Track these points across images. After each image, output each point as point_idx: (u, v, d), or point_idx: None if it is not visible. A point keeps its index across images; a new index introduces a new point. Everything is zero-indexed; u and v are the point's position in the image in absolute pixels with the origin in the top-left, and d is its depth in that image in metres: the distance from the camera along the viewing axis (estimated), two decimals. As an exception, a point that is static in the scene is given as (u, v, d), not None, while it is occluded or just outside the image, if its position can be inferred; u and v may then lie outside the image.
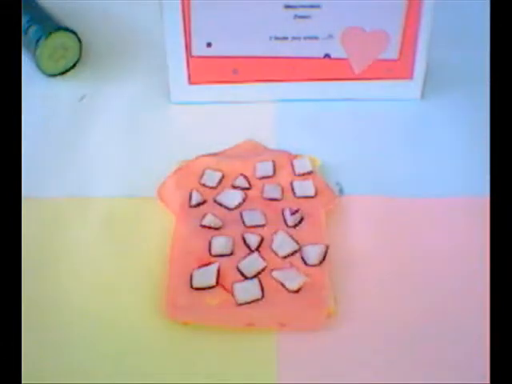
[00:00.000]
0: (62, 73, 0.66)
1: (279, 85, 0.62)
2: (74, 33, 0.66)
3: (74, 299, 0.48)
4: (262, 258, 0.48)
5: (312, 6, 0.58)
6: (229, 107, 0.62)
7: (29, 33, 0.64)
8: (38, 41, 0.64)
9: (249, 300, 0.46)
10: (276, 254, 0.49)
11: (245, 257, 0.48)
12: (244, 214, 0.51)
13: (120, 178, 0.56)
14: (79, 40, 0.66)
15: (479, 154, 0.57)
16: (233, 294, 0.46)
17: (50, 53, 0.64)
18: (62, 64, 0.66)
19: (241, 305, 0.46)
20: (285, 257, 0.48)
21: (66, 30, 0.65)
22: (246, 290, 0.46)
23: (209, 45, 0.60)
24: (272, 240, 0.49)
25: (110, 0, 0.75)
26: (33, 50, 0.64)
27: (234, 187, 0.54)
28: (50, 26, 0.65)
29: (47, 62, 0.65)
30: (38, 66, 0.65)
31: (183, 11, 0.58)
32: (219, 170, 0.55)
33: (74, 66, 0.67)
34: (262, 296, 0.46)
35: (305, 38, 0.60)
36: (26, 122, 0.56)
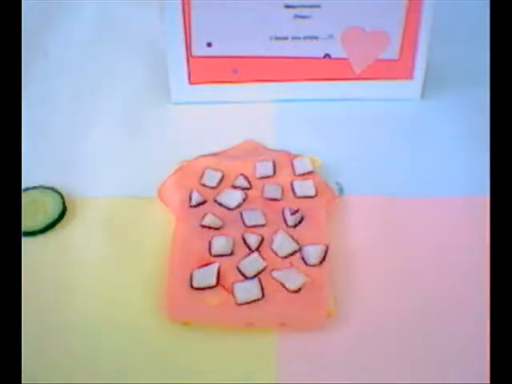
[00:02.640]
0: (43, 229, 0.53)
1: (279, 85, 0.62)
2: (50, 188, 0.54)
3: (74, 299, 0.48)
4: (262, 257, 0.48)
5: (312, 6, 0.58)
6: (229, 107, 0.62)
7: None
8: None
9: (249, 300, 0.46)
10: (276, 254, 0.49)
11: (245, 257, 0.48)
12: (244, 213, 0.51)
13: (120, 178, 0.56)
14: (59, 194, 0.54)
15: (479, 154, 0.57)
16: (233, 294, 0.46)
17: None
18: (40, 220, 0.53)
19: (241, 305, 0.46)
20: (285, 257, 0.48)
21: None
22: (246, 290, 0.46)
23: (209, 45, 0.60)
24: (272, 240, 0.49)
25: (110, 0, 0.75)
26: None
27: (234, 187, 0.54)
28: None
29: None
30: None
31: (183, 11, 0.58)
32: (219, 170, 0.55)
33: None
34: (262, 296, 0.46)
35: (305, 38, 0.60)
36: (26, 122, 0.56)
